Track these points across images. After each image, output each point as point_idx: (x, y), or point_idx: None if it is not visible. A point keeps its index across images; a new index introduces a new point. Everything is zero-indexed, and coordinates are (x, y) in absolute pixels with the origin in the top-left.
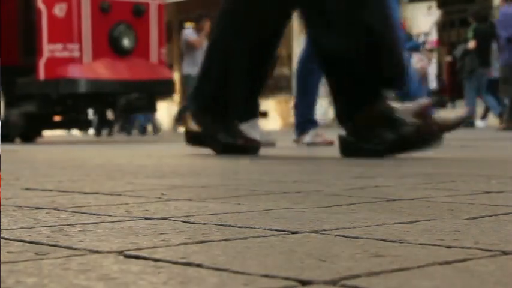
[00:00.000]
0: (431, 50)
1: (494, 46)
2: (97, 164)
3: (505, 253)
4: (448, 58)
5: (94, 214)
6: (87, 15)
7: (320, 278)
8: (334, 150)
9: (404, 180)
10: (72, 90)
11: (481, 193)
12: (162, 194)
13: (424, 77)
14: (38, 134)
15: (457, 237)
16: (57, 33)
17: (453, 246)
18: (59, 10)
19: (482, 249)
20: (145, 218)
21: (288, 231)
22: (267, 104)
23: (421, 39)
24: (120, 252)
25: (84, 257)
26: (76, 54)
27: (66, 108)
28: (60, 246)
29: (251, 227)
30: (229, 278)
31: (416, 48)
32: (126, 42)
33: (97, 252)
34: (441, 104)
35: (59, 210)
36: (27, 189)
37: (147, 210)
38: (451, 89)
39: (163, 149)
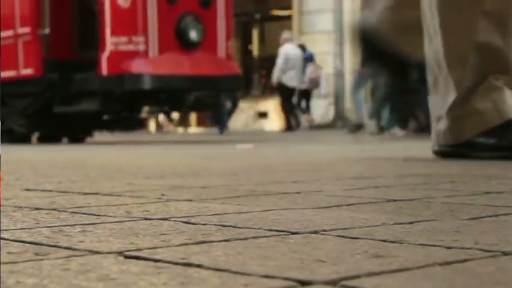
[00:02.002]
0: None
1: None
2: (97, 164)
3: (505, 254)
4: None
5: (94, 215)
6: (153, 6)
7: (320, 279)
8: (334, 151)
9: (404, 181)
10: (137, 86)
11: (481, 193)
12: (162, 194)
13: (316, 85)
14: (89, 134)
15: (457, 238)
16: (121, 25)
17: (453, 247)
18: (123, 0)
19: (482, 250)
20: (146, 219)
21: (288, 232)
22: (267, 104)
23: None
24: (120, 253)
25: (84, 258)
26: (141, 47)
27: (129, 106)
28: (60, 247)
29: (251, 228)
30: (230, 278)
31: (310, 59)
32: (193, 34)
33: (97, 252)
34: None
35: (58, 210)
36: (27, 189)
37: (147, 211)
38: None
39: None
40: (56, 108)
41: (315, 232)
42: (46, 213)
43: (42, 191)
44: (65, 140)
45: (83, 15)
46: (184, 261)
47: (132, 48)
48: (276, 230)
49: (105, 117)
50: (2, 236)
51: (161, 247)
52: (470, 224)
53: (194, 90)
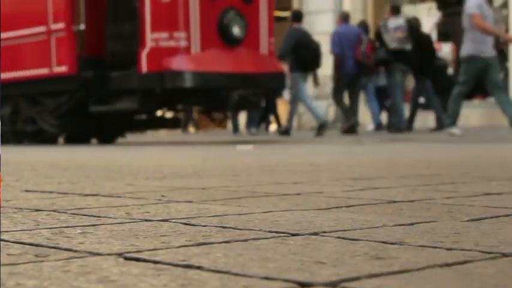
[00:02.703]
0: None
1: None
2: (97, 165)
3: (505, 255)
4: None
5: (94, 216)
6: (195, 0)
7: (320, 280)
8: (334, 151)
9: (404, 182)
10: (179, 84)
11: (481, 195)
12: (162, 195)
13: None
14: (121, 134)
15: (457, 239)
16: (162, 20)
17: (453, 248)
18: None
19: (482, 252)
20: (146, 220)
21: (288, 233)
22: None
23: None
24: (120, 255)
25: (84, 259)
26: (183, 43)
27: (168, 105)
28: (60, 249)
29: (251, 229)
30: (230, 280)
31: None
32: (236, 30)
33: (97, 254)
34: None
35: (59, 212)
36: (27, 191)
37: (147, 212)
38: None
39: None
40: (92, 107)
41: (315, 234)
42: (46, 215)
43: (42, 192)
44: (94, 141)
45: (118, 11)
46: (185, 262)
47: (174, 44)
48: (276, 232)
49: (138, 117)
50: (2, 237)
51: (161, 249)
52: (470, 226)
53: (238, 88)
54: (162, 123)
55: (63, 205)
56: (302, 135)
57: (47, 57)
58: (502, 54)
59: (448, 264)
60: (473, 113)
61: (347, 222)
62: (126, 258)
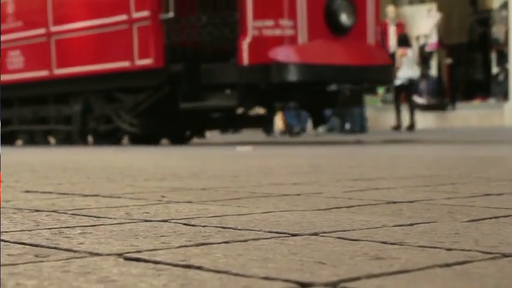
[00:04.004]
0: (430, 52)
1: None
2: (97, 166)
3: (505, 255)
4: (448, 60)
5: (94, 216)
6: None
7: (320, 281)
8: (334, 151)
9: (404, 183)
10: (286, 78)
11: (481, 195)
12: (162, 196)
13: None
14: (199, 134)
15: (457, 240)
16: (266, 6)
17: (453, 249)
18: None
19: (482, 252)
20: (146, 221)
21: (288, 234)
22: None
23: (422, 41)
24: (120, 255)
25: (84, 260)
26: (289, 32)
27: (270, 101)
28: (60, 249)
29: (251, 230)
30: (230, 280)
31: None
32: (344, 18)
33: (97, 254)
34: (441, 107)
35: (59, 212)
36: (27, 191)
37: (147, 213)
38: (451, 91)
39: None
40: (182, 104)
41: (315, 234)
42: (46, 215)
43: (42, 192)
44: (164, 141)
45: None
46: (184, 263)
47: (279, 33)
48: (276, 232)
49: (215, 114)
50: (2, 237)
51: (161, 249)
52: (470, 226)
53: (348, 82)
54: (247, 122)
55: (63, 206)
56: (303, 135)
57: (127, 49)
58: (501, 55)
59: (448, 265)
60: (473, 114)
61: (347, 222)
62: (126, 259)
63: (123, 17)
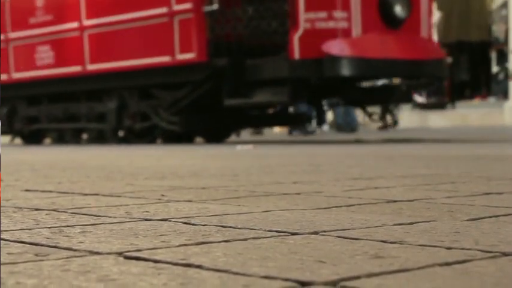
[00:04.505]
0: None
1: None
2: (97, 165)
3: (505, 254)
4: (448, 60)
5: (94, 215)
6: None
7: (320, 279)
8: (333, 151)
9: (404, 182)
10: (339, 72)
11: (481, 194)
12: (162, 195)
13: None
14: (234, 131)
15: (457, 239)
16: None
17: (453, 248)
18: None
19: (482, 251)
20: (145, 219)
21: (288, 233)
22: None
23: None
24: (120, 254)
25: (84, 258)
26: (343, 25)
27: (319, 97)
28: (60, 248)
29: (251, 228)
30: (230, 279)
31: None
32: (398, 10)
33: (97, 253)
34: (441, 106)
35: (58, 211)
36: (27, 190)
37: (147, 212)
38: (450, 90)
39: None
40: (227, 100)
41: (315, 233)
42: (46, 214)
43: (42, 191)
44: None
45: None
46: (184, 262)
47: (332, 25)
48: (276, 231)
49: (251, 111)
50: (2, 236)
51: (161, 248)
52: (470, 225)
53: (405, 77)
54: (286, 120)
55: (63, 204)
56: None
57: (168, 43)
58: (502, 55)
59: (448, 263)
60: (472, 113)
61: (347, 221)
62: (126, 257)
63: (163, 10)
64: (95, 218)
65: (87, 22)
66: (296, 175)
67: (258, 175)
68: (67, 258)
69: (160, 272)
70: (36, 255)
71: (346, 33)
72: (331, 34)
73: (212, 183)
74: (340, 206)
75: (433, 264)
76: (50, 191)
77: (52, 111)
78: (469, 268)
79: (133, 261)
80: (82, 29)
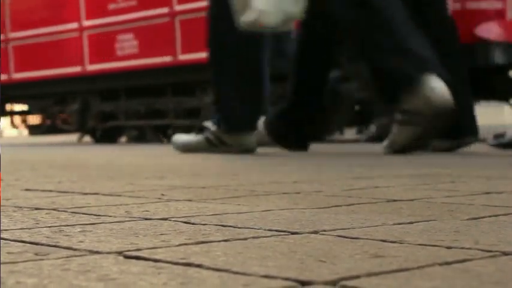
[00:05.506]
0: None
1: None
2: (97, 164)
3: (505, 254)
4: None
5: (94, 215)
6: None
7: (320, 279)
8: (333, 150)
9: (404, 181)
10: (496, 60)
11: (481, 194)
12: (162, 194)
13: None
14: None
15: (457, 238)
16: None
17: (453, 247)
18: None
19: (482, 250)
20: (145, 219)
21: (287, 232)
22: None
23: None
24: (120, 253)
25: (84, 258)
26: (498, 5)
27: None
28: (60, 247)
29: (251, 228)
30: (230, 278)
31: None
32: None
33: (97, 252)
34: None
35: (58, 210)
36: (27, 189)
37: (147, 211)
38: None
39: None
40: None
41: (315, 232)
42: (46, 213)
43: (42, 191)
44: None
45: None
46: (184, 261)
47: (485, 6)
48: (276, 230)
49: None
50: (2, 236)
51: (161, 247)
52: (470, 224)
53: None
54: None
55: (63, 204)
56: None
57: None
58: None
59: (447, 263)
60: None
61: (346, 220)
62: (126, 257)
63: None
64: (95, 217)
65: (179, 7)
66: (296, 174)
67: (258, 174)
68: (67, 257)
69: (160, 272)
70: (36, 254)
71: (501, 14)
72: (485, 16)
73: (212, 182)
74: (340, 206)
75: (433, 264)
76: (50, 191)
77: (132, 107)
78: (469, 267)
79: (133, 261)
80: (173, 14)
